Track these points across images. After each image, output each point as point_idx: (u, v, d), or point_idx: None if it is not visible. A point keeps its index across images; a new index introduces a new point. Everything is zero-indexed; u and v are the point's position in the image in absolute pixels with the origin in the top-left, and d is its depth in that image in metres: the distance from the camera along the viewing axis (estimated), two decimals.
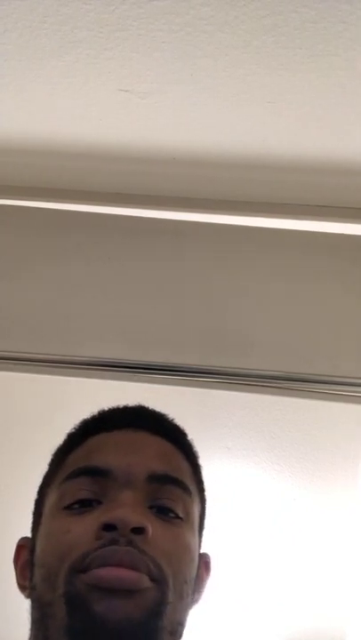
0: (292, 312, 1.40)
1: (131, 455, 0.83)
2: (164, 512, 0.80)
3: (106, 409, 0.92)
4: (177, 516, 0.80)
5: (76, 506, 0.80)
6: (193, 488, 0.84)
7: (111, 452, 0.84)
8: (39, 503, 0.88)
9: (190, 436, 0.91)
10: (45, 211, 1.48)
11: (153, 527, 0.76)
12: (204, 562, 0.86)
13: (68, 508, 0.80)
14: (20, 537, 0.91)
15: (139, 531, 0.75)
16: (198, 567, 0.83)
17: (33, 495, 1.65)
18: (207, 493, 0.90)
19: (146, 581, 0.74)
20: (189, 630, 0.78)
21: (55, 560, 0.77)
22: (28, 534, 0.89)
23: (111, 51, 1.11)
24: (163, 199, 1.43)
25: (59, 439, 1.59)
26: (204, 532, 0.89)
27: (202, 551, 0.86)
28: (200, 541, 0.86)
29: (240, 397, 1.41)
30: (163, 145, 1.31)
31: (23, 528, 1.65)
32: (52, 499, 0.84)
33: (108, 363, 1.40)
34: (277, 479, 1.47)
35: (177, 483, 0.82)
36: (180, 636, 0.78)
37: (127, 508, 0.76)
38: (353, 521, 1.47)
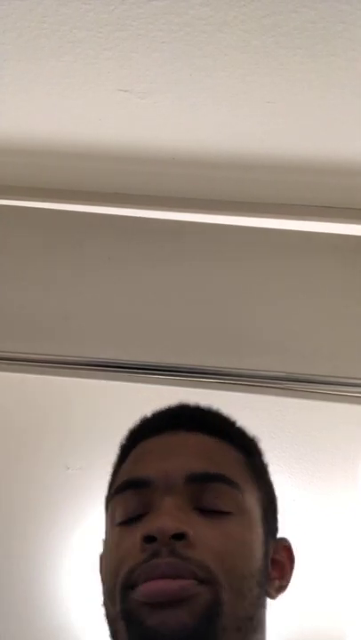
0: (292, 312, 1.40)
1: (168, 459, 0.81)
2: (210, 510, 0.78)
3: (148, 415, 0.90)
4: (225, 512, 0.78)
5: (126, 520, 0.79)
6: (244, 478, 0.82)
7: (150, 459, 0.82)
8: (105, 517, 0.87)
9: (240, 423, 0.89)
10: (45, 211, 1.48)
11: (198, 528, 0.76)
12: (283, 546, 0.85)
13: (120, 523, 0.80)
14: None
15: (179, 537, 0.74)
16: (276, 553, 0.83)
17: (33, 493, 1.65)
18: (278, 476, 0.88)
19: (193, 587, 0.73)
20: None
21: (111, 577, 0.77)
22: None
23: (110, 51, 1.11)
24: (163, 199, 1.43)
25: (58, 439, 1.60)
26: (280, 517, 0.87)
27: (280, 536, 0.86)
28: (273, 528, 0.85)
29: (240, 398, 1.40)
30: (162, 145, 1.31)
31: (23, 527, 1.64)
32: (109, 513, 0.84)
33: (108, 363, 1.40)
34: (277, 480, 1.47)
35: (219, 478, 0.80)
36: (254, 630, 0.77)
37: (165, 516, 0.75)
38: (353, 522, 1.47)
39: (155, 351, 1.40)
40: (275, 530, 0.85)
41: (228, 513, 0.78)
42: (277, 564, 0.83)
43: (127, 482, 0.82)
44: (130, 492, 0.80)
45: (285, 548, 0.85)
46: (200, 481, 0.79)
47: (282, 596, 0.84)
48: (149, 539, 0.74)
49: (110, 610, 0.78)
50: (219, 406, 1.48)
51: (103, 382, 1.43)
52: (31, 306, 1.44)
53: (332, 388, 1.35)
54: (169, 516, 0.75)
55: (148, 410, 1.51)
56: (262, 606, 0.79)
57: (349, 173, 1.34)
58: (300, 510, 1.49)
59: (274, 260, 1.43)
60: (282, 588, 0.83)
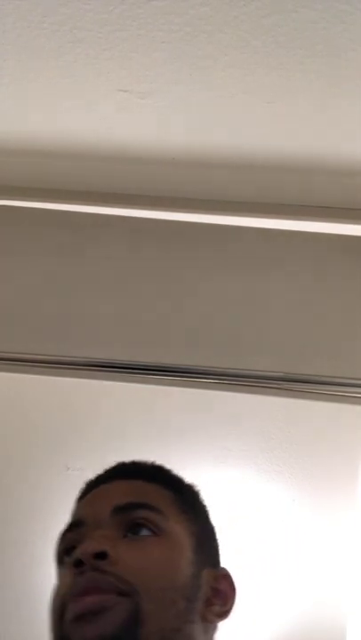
0: (292, 312, 1.40)
1: (99, 501, 0.92)
2: (136, 532, 0.86)
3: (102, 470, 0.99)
4: (150, 534, 0.86)
5: (63, 557, 0.89)
6: (171, 509, 0.90)
7: (85, 505, 0.94)
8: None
9: (170, 469, 0.98)
10: (45, 211, 1.48)
11: (120, 549, 0.83)
12: (223, 575, 0.92)
13: (59, 562, 0.90)
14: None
15: (101, 555, 0.82)
16: (216, 582, 0.89)
17: (33, 493, 1.65)
18: (211, 514, 0.97)
19: (113, 599, 0.80)
20: None
21: (52, 611, 0.85)
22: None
23: (110, 51, 1.11)
24: (163, 199, 1.43)
25: (58, 439, 1.60)
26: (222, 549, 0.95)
27: (224, 568, 0.93)
28: (210, 558, 0.92)
29: (240, 398, 1.41)
30: (162, 145, 1.31)
31: (24, 527, 1.64)
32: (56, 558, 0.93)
33: (108, 363, 1.40)
34: (277, 480, 1.47)
35: (142, 506, 0.88)
36: (184, 638, 0.83)
37: (89, 541, 0.84)
38: (352, 522, 1.47)
39: (155, 351, 1.40)
40: (213, 560, 0.93)
41: (151, 535, 0.86)
42: (218, 592, 0.89)
43: (65, 526, 0.91)
44: (68, 534, 0.90)
45: (225, 577, 0.91)
46: (125, 511, 0.88)
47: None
48: (77, 562, 0.82)
49: None
50: (219, 406, 1.48)
51: (103, 382, 1.43)
52: (31, 306, 1.44)
53: (331, 388, 1.35)
54: (92, 540, 0.84)
55: (148, 410, 1.51)
56: (192, 622, 0.84)
57: (349, 173, 1.34)
58: (300, 510, 1.49)
59: (274, 260, 1.43)
60: (224, 613, 0.89)
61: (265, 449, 1.47)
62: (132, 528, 0.87)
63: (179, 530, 0.89)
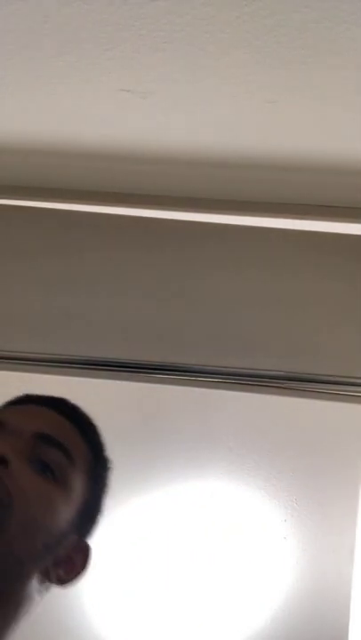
0: (292, 312, 1.40)
1: (26, 416, 0.94)
2: (41, 467, 0.88)
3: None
4: (52, 476, 0.89)
5: None
6: (84, 467, 0.93)
7: (17, 412, 0.96)
8: None
9: (97, 426, 1.00)
10: (45, 211, 1.48)
11: (22, 468, 0.86)
12: (82, 547, 0.93)
13: None
14: None
15: (2, 461, 0.85)
16: (73, 550, 0.91)
17: None
18: (110, 477, 0.99)
19: None
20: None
21: None
22: None
23: (112, 51, 1.11)
24: (163, 199, 1.43)
25: None
26: (99, 518, 0.97)
27: (87, 543, 0.94)
28: (81, 526, 0.93)
29: (240, 397, 1.41)
30: (163, 145, 1.31)
31: None
32: None
33: (108, 363, 1.40)
34: (278, 479, 1.47)
35: (60, 447, 0.90)
36: (16, 576, 0.85)
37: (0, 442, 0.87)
38: (353, 521, 1.48)
39: (155, 351, 1.40)
40: (83, 532, 0.94)
41: (52, 478, 0.89)
42: (69, 560, 0.91)
43: None
44: None
45: (83, 550, 0.94)
46: (44, 441, 0.90)
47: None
48: None
49: None
50: (219, 406, 1.48)
51: (102, 381, 1.43)
52: (31, 306, 1.45)
53: (332, 387, 1.35)
54: (3, 442, 0.88)
55: (147, 410, 1.51)
56: (34, 565, 0.86)
57: (349, 173, 1.34)
58: (301, 510, 1.49)
59: (274, 260, 1.43)
60: (63, 581, 0.91)
61: (266, 448, 1.47)
62: (42, 461, 0.89)
63: (77, 487, 0.92)
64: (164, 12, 1.03)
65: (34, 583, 0.87)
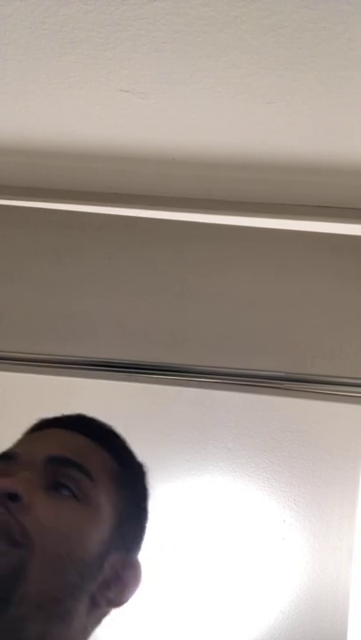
0: (292, 312, 1.40)
1: (38, 443, 0.90)
2: (58, 490, 0.84)
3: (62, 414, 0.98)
4: (72, 496, 0.84)
5: None
6: (105, 479, 0.88)
7: (25, 442, 0.92)
8: None
9: (119, 433, 0.97)
10: (45, 211, 1.48)
11: (37, 498, 0.81)
12: (131, 565, 0.89)
13: None
14: None
15: (13, 497, 0.79)
16: (121, 568, 0.86)
17: None
18: (149, 500, 0.95)
19: (2, 546, 0.76)
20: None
21: None
22: None
23: (111, 51, 1.11)
24: (163, 199, 1.43)
25: None
26: (145, 539, 0.93)
27: (136, 558, 0.90)
28: (126, 543, 0.89)
29: (240, 397, 1.41)
30: (163, 145, 1.31)
31: None
32: None
33: (108, 363, 1.40)
34: (277, 479, 1.47)
35: (76, 465, 0.86)
36: (59, 617, 0.79)
37: (10, 479, 0.81)
38: (352, 522, 1.48)
39: (155, 351, 1.40)
40: (129, 546, 0.89)
41: (72, 498, 0.84)
42: (120, 579, 0.86)
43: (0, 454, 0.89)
44: (0, 463, 0.87)
45: (133, 566, 0.89)
46: (58, 464, 0.85)
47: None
48: None
49: None
50: (219, 406, 1.48)
51: (103, 382, 1.43)
52: (31, 306, 1.45)
53: (332, 387, 1.35)
54: (11, 478, 0.81)
55: (147, 410, 1.51)
56: (78, 600, 0.81)
57: (349, 173, 1.34)
58: (301, 510, 1.49)
59: (274, 260, 1.43)
60: (117, 602, 0.87)
61: (265, 449, 1.47)
62: (58, 483, 0.84)
63: (105, 502, 0.86)
64: (163, 12, 1.03)
65: (82, 615, 0.82)
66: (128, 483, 0.91)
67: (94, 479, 0.86)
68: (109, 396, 1.50)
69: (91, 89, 1.19)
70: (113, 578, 0.86)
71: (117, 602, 0.87)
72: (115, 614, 1.46)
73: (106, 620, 1.46)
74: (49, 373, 1.43)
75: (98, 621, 0.87)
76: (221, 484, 1.47)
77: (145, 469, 0.96)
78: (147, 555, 1.45)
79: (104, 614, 0.87)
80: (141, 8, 1.03)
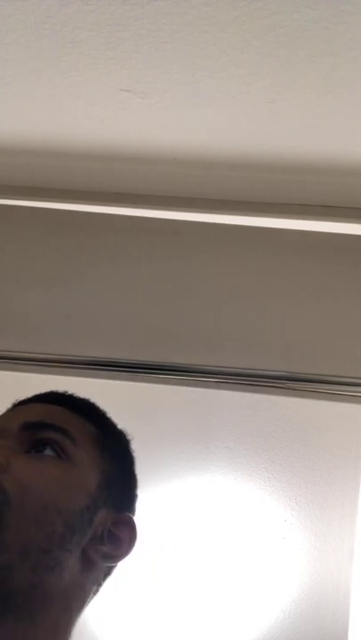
0: (292, 312, 1.40)
1: (14, 414, 0.93)
2: (40, 451, 0.86)
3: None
4: (55, 456, 0.86)
5: None
6: (84, 438, 0.90)
7: (2, 416, 0.94)
8: None
9: (96, 404, 0.99)
10: (45, 211, 1.48)
11: (15, 460, 0.84)
12: (124, 521, 0.91)
13: None
14: None
15: None
16: (114, 525, 0.89)
17: None
18: (135, 465, 0.98)
19: None
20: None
21: None
22: None
23: (112, 51, 1.11)
24: (163, 199, 1.43)
25: None
26: (136, 501, 0.97)
27: (129, 516, 0.93)
28: (115, 501, 0.91)
29: (241, 397, 1.41)
30: (163, 145, 1.31)
31: None
32: None
33: (108, 363, 1.40)
34: (278, 479, 1.47)
35: (52, 427, 0.88)
36: (49, 567, 0.81)
37: None
38: (353, 521, 1.48)
39: (155, 351, 1.40)
40: (119, 505, 0.92)
41: (54, 456, 0.86)
42: (114, 536, 0.89)
43: None
44: None
45: (127, 523, 0.91)
46: (34, 428, 0.88)
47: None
48: None
49: None
50: (220, 405, 1.49)
51: (103, 382, 1.43)
52: (32, 306, 1.45)
53: (333, 387, 1.35)
54: None
55: (148, 409, 1.51)
56: (68, 550, 0.83)
57: (349, 173, 1.34)
58: (302, 510, 1.49)
59: (274, 260, 1.43)
60: (113, 557, 0.89)
61: (266, 448, 1.47)
62: (37, 446, 0.86)
63: (88, 461, 0.89)
64: (164, 12, 1.04)
65: (75, 571, 0.85)
66: (110, 447, 0.94)
67: (75, 440, 0.89)
68: (109, 396, 1.50)
69: (92, 89, 1.19)
70: (106, 534, 0.88)
71: (112, 557, 0.89)
72: (116, 614, 1.46)
73: (107, 620, 1.46)
74: (49, 373, 1.43)
75: (96, 580, 0.89)
76: (222, 484, 1.47)
77: (128, 437, 0.99)
78: (147, 555, 1.45)
79: (101, 569, 0.89)
80: (142, 8, 1.03)
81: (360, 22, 1.02)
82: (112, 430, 0.98)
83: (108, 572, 0.92)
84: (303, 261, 1.42)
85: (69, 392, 0.99)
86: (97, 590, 0.91)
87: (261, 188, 1.39)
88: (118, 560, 0.90)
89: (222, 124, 1.24)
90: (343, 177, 1.35)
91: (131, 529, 0.91)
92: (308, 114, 1.20)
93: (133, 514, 0.95)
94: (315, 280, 1.41)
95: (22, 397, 1.00)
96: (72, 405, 0.95)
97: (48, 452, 0.86)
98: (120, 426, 0.99)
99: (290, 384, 1.36)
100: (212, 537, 1.45)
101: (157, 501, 1.47)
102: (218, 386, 1.38)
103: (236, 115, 1.22)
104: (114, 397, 1.50)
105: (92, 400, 1.00)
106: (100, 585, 0.91)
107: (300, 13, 1.02)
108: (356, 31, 1.03)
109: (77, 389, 1.50)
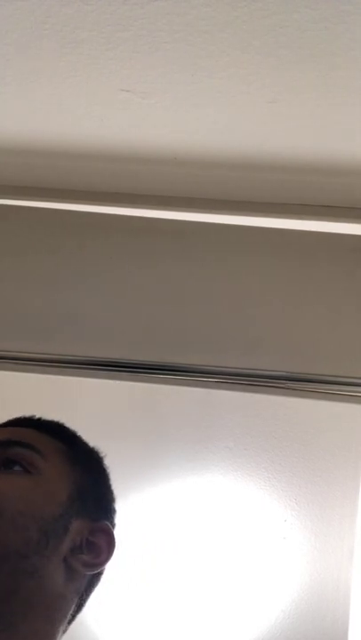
0: (292, 312, 1.40)
1: None
2: (9, 467, 0.91)
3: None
4: (24, 471, 0.91)
5: None
6: (53, 454, 0.94)
7: None
8: None
9: (63, 423, 1.04)
10: (45, 211, 1.48)
11: None
12: (101, 530, 0.94)
13: None
14: None
15: None
16: (91, 534, 0.93)
17: None
18: (109, 479, 1.02)
19: None
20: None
21: None
22: None
23: (112, 51, 1.11)
24: (164, 199, 1.43)
25: None
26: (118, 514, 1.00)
27: (106, 524, 0.96)
28: (89, 511, 0.94)
29: (241, 397, 1.41)
30: (163, 145, 1.31)
31: None
32: None
33: (108, 363, 1.40)
34: (278, 479, 1.47)
35: (20, 444, 0.93)
36: (27, 573, 0.84)
37: None
38: (353, 521, 1.48)
39: (155, 351, 1.40)
40: (94, 515, 0.95)
41: (23, 471, 0.91)
42: (92, 544, 0.92)
43: None
44: None
45: (103, 532, 0.94)
46: (3, 447, 0.92)
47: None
48: None
49: None
50: (220, 405, 1.48)
51: (103, 382, 1.43)
52: (32, 306, 1.45)
53: (333, 387, 1.35)
54: None
55: (148, 409, 1.51)
56: (46, 557, 0.86)
57: (349, 173, 1.34)
58: (302, 510, 1.49)
59: (274, 260, 1.43)
60: (93, 565, 0.92)
61: (266, 448, 1.47)
62: (7, 464, 0.91)
63: (56, 473, 0.93)
64: (164, 12, 1.04)
65: (56, 578, 0.87)
66: (80, 461, 0.97)
67: (43, 455, 0.93)
68: (109, 396, 1.50)
69: (91, 89, 1.19)
70: (85, 543, 0.91)
71: (92, 565, 0.92)
72: (116, 614, 1.46)
73: (107, 620, 1.46)
74: (49, 373, 1.43)
75: (77, 591, 0.91)
76: (223, 484, 1.47)
77: (100, 453, 1.02)
78: (147, 555, 1.45)
79: (84, 577, 0.91)
80: (142, 8, 1.03)
81: (360, 22, 1.02)
82: (82, 447, 1.01)
83: (91, 584, 0.95)
84: (303, 261, 1.42)
85: (37, 416, 1.04)
86: (80, 603, 0.93)
87: (261, 187, 1.39)
88: (99, 568, 0.93)
89: (222, 124, 1.24)
90: (343, 177, 1.35)
91: (108, 536, 0.94)
92: (308, 114, 1.20)
93: (112, 524, 0.98)
94: (315, 280, 1.41)
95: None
96: (39, 426, 0.99)
97: (17, 467, 0.91)
98: (92, 444, 1.03)
99: (290, 384, 1.36)
100: (212, 537, 1.45)
101: (158, 501, 1.47)
102: (218, 386, 1.38)
103: (236, 115, 1.22)
104: (114, 397, 1.51)
105: (60, 421, 1.04)
106: (82, 596, 0.93)
107: (300, 13, 1.02)
108: (356, 31, 1.03)
109: (77, 389, 1.51)
